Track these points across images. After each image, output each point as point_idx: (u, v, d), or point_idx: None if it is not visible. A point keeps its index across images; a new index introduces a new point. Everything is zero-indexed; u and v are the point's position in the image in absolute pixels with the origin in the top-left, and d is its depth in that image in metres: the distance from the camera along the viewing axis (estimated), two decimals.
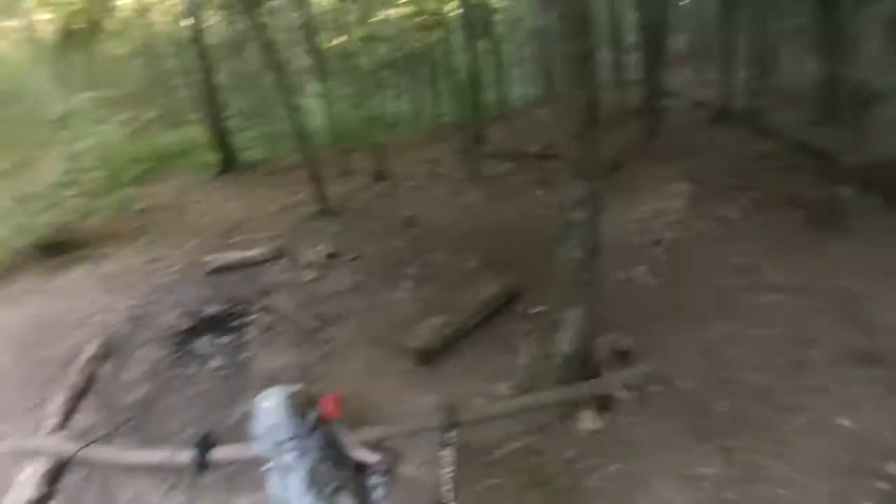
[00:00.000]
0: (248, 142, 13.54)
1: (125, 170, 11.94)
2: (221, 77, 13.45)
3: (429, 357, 4.35)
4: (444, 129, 12.01)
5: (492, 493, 3.26)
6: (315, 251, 6.71)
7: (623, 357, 4.18)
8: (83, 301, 7.05)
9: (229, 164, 11.83)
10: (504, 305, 4.87)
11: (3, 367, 6.06)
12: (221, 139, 11.86)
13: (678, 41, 17.55)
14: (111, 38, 12.90)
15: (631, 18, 11.66)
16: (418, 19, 14.05)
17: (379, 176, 9.40)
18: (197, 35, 11.79)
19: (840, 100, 6.90)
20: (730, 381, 3.79)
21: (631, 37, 11.64)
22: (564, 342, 3.87)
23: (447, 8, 12.90)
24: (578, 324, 3.88)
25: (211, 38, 13.11)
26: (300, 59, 13.56)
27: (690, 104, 10.89)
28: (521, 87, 14.54)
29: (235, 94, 16.13)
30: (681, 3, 16.74)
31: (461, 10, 9.85)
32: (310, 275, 6.29)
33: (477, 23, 10.50)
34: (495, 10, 14.93)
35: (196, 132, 14.04)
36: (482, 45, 11.22)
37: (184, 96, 14.69)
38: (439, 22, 12.91)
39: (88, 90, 10.79)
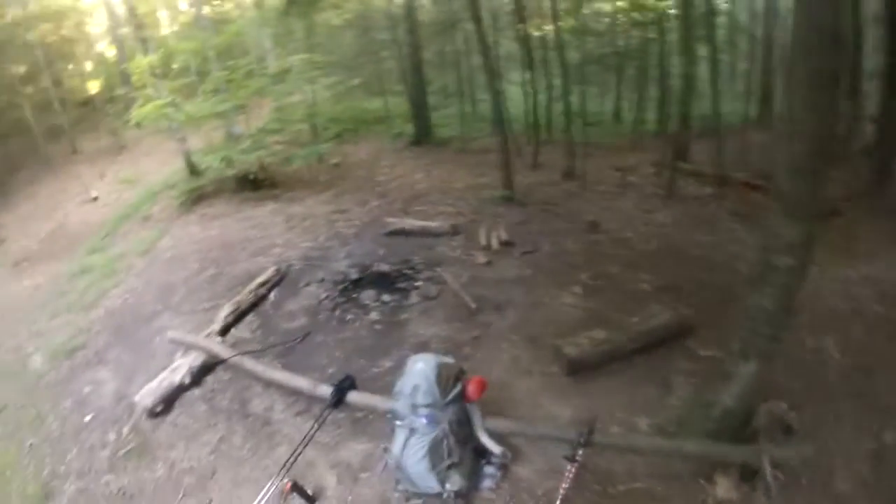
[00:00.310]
0: (443, 118, 14.50)
1: (326, 127, 13.66)
2: (427, 54, 14.53)
3: (579, 369, 4.30)
4: (644, 137, 11.55)
5: None
6: (492, 236, 6.97)
7: (784, 431, 3.71)
8: (267, 233, 8.28)
9: (423, 136, 12.78)
10: (672, 338, 4.59)
11: (190, 272, 7.41)
12: (419, 112, 12.85)
13: None
14: (329, 8, 14.62)
15: (875, 36, 9.68)
16: (633, 15, 13.62)
17: (568, 174, 9.39)
18: (410, 11, 12.85)
19: None
20: None
21: (871, 61, 9.70)
22: (729, 395, 3.55)
23: (665, 5, 12.33)
24: (750, 380, 3.53)
25: (422, 16, 14.19)
26: (506, 45, 14.03)
27: None
28: (734, 103, 13.31)
29: (438, 71, 17.35)
30: None
31: (680, 10, 9.26)
32: (481, 258, 6.55)
33: (697, 25, 9.81)
34: (718, 14, 13.78)
35: (396, 103, 15.45)
36: (699, 50, 10.48)
37: (389, 68, 16.18)
38: (655, 20, 12.38)
39: (304, 53, 12.46)
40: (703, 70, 10.77)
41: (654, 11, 12.34)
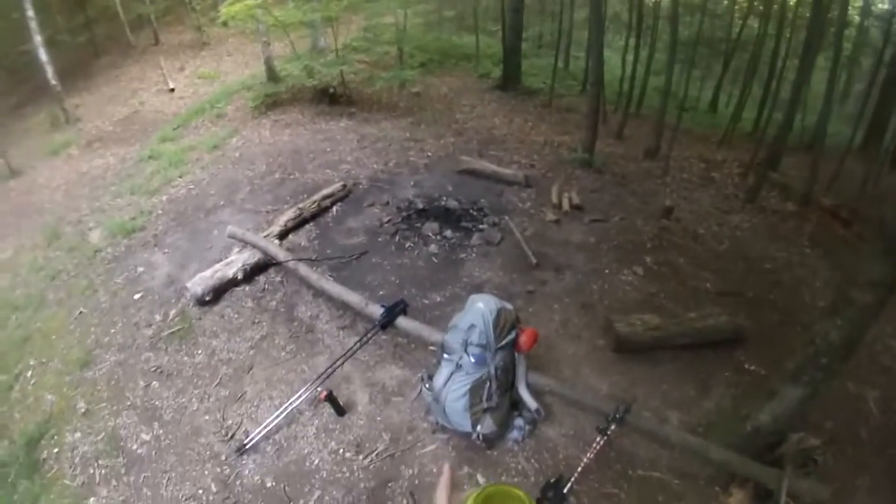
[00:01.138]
0: (533, 68, 14.05)
1: (412, 55, 13.41)
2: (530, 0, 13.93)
3: (626, 348, 4.35)
4: (738, 135, 11.01)
5: (608, 500, 3.30)
6: (563, 196, 6.88)
7: (810, 465, 3.71)
8: (337, 149, 8.39)
9: (510, 82, 12.41)
10: (722, 344, 4.55)
11: (256, 173, 7.65)
12: (510, 56, 12.45)
13: None
14: None
15: None
16: (756, 3, 12.69)
17: (650, 152, 9.12)
18: None
19: None
20: None
21: None
22: (768, 413, 3.56)
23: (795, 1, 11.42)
24: (793, 404, 3.52)
25: None
26: (615, 5, 13.32)
27: None
28: (841, 125, 12.43)
29: (538, 18, 16.66)
30: None
31: (811, 11, 8.54)
32: (550, 215, 6.49)
33: (824, 30, 9.06)
34: (849, 25, 12.63)
35: (488, 43, 15.00)
36: (821, 58, 9.75)
37: (487, 5, 15.61)
38: (779, 14, 11.53)
39: None
40: (815, 80, 10.06)
41: (777, 4, 11.46)
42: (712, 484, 3.49)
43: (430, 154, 8.34)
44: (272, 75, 11.50)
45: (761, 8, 13.11)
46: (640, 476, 3.47)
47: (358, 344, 4.21)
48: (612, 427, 3.25)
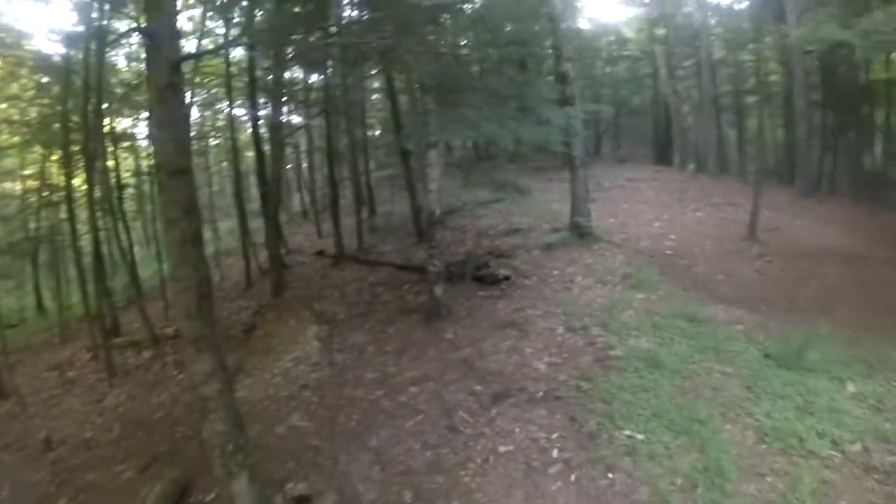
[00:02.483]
0: None
1: None
2: None
3: None
4: (73, 323, 10.71)
5: None
6: None
7: (304, 502, 4.49)
8: None
9: None
10: (178, 501, 4.62)
11: None
12: None
13: (295, 202, 20.40)
14: None
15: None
16: (44, 195, 12.51)
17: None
18: None
19: (421, 224, 9.39)
20: (407, 473, 4.49)
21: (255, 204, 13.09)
22: None
23: (76, 182, 11.97)
24: (247, 492, 4.04)
25: None
26: None
27: (312, 255, 12.40)
28: (154, 265, 14.24)
29: None
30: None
31: (87, 185, 9.31)
32: None
33: (105, 199, 10.07)
34: (125, 186, 14.44)
35: None
36: (110, 223, 10.69)
37: None
38: (65, 198, 11.79)
39: None
40: (117, 242, 10.97)
41: (62, 189, 11.63)
42: None
43: None
44: None
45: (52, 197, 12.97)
46: None
47: None
48: None
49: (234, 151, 12.98)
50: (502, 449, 4.53)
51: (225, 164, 21.16)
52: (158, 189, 3.97)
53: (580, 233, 9.14)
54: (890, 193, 17.06)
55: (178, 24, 4.76)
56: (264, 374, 6.47)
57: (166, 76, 3.72)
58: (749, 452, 4.18)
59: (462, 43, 7.86)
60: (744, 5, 18.70)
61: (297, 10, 7.35)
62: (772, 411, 4.59)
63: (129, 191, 15.84)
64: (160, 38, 3.71)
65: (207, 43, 12.38)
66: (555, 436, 4.58)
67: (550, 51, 9.13)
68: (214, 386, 3.99)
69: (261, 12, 9.41)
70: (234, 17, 11.04)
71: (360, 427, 5.23)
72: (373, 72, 13.19)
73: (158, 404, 6.64)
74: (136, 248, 14.43)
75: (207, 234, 16.26)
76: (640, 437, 4.39)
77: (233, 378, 6.31)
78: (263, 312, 8.44)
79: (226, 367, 4.15)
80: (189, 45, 13.32)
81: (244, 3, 10.22)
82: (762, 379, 5.04)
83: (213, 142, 21.02)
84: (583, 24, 19.65)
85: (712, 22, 19.94)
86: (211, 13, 11.97)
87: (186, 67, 13.60)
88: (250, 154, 16.86)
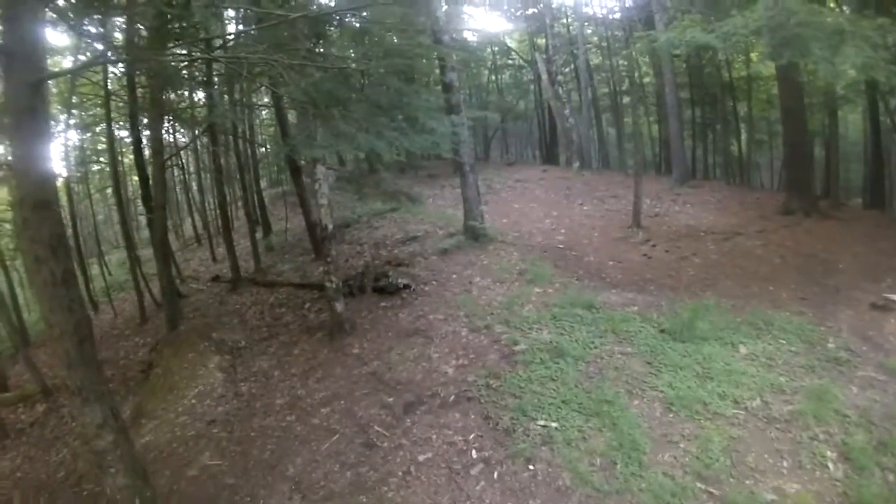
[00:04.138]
0: None
1: None
2: None
3: None
4: None
5: None
6: None
7: None
8: None
9: None
10: None
11: None
12: None
13: (188, 226, 19.29)
14: None
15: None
16: None
17: None
18: None
19: (317, 240, 9.22)
20: (329, 498, 4.36)
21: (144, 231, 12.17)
22: None
23: None
24: None
25: None
26: None
27: (209, 281, 11.81)
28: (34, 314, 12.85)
29: None
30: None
31: None
32: None
33: None
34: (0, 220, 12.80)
35: None
36: None
37: None
38: None
39: None
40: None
41: None
42: None
43: None
44: None
45: None
46: None
47: None
48: None
49: (115, 176, 12.00)
50: (421, 458, 4.54)
51: (108, 190, 19.55)
52: (21, 225, 3.55)
53: (475, 235, 9.40)
54: (755, 175, 19.22)
55: (46, 41, 4.30)
56: (168, 414, 6.00)
57: (25, 99, 3.37)
58: (659, 423, 4.51)
59: (347, 55, 7.82)
60: (617, 15, 20.17)
61: (175, 25, 6.95)
62: (674, 382, 5.00)
63: (5, 226, 14.09)
64: (17, 56, 3.35)
65: (83, 59, 11.27)
66: (472, 436, 4.66)
67: (437, 61, 9.36)
68: (108, 437, 3.71)
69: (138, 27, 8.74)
70: (101, 34, 10.16)
71: (275, 457, 5.02)
72: (258, 87, 12.74)
73: (59, 463, 5.93)
74: (19, 290, 12.90)
75: (95, 268, 15.04)
76: (553, 425, 4.59)
77: (134, 423, 5.91)
78: (160, 348, 7.83)
79: (118, 416, 3.86)
80: (66, 62, 12.13)
81: (114, 16, 9.45)
82: (660, 353, 5.47)
83: (94, 167, 19.37)
84: (468, 35, 20.34)
85: (588, 31, 21.44)
86: (72, 27, 10.93)
87: (62, 86, 12.39)
88: (136, 178, 15.66)
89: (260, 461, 5.02)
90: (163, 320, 9.12)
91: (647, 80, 20.04)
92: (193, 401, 6.24)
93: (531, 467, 4.22)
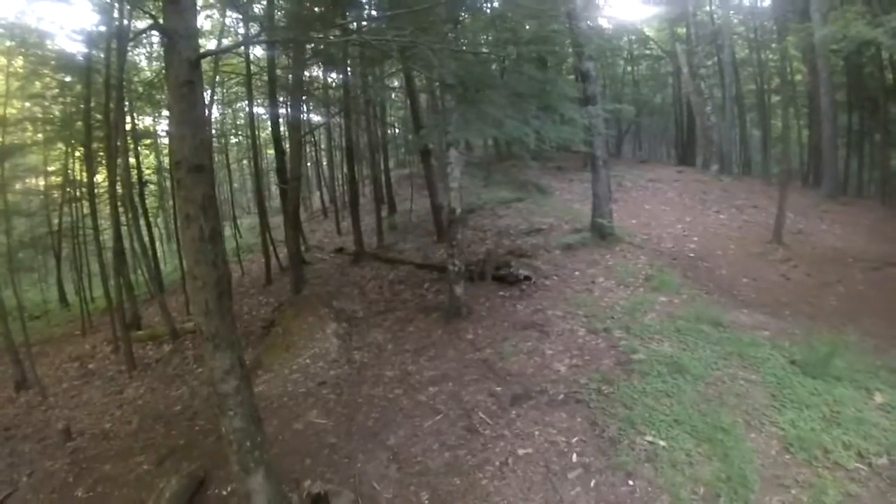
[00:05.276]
0: None
1: None
2: None
3: None
4: (94, 316, 10.89)
5: None
6: None
7: (321, 500, 4.45)
8: None
9: None
10: (194, 495, 4.63)
11: None
12: None
13: (315, 199, 20.50)
14: None
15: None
16: (66, 191, 12.82)
17: (21, 384, 7.90)
18: None
19: (441, 223, 9.36)
20: (424, 473, 4.44)
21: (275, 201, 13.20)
22: None
23: (98, 178, 12.21)
24: (263, 488, 4.03)
25: None
26: None
27: (332, 252, 12.45)
28: (175, 261, 14.48)
29: None
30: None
31: (109, 182, 9.54)
32: None
33: (126, 194, 10.29)
34: (146, 182, 14.72)
35: None
36: (132, 219, 10.91)
37: None
38: (87, 194, 12.07)
39: None
40: (139, 236, 11.17)
41: (84, 185, 11.89)
42: None
43: None
44: None
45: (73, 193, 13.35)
46: None
47: None
48: None
49: (254, 149, 13.11)
50: (521, 452, 4.44)
51: (245, 161, 21.46)
52: (176, 186, 3.92)
53: (601, 233, 9.02)
54: None
55: (198, 23, 4.75)
56: (283, 370, 6.45)
57: (184, 74, 3.70)
58: (773, 462, 4.04)
59: (482, 41, 7.77)
60: (767, 3, 18.30)
61: (316, 8, 7.35)
62: (797, 420, 4.43)
63: (151, 187, 16.20)
64: (178, 36, 3.70)
65: (227, 41, 12.49)
66: (575, 440, 4.48)
67: (571, 49, 9.07)
68: (232, 382, 3.98)
69: (281, 10, 9.44)
70: (253, 15, 11.11)
71: (378, 425, 5.18)
72: (392, 70, 13.18)
73: (177, 398, 6.68)
74: (158, 244, 14.74)
75: (228, 230, 16.68)
76: (661, 443, 4.27)
77: (251, 374, 6.41)
78: (283, 309, 8.47)
79: (244, 364, 4.12)
80: (210, 44, 13.57)
81: (263, 1, 10.28)
82: (787, 387, 4.87)
83: (233, 140, 21.34)
84: (603, 22, 19.41)
85: (735, 20, 19.56)
86: (230, 11, 12.08)
87: (206, 65, 13.90)
88: (270, 152, 17.03)
89: (363, 427, 5.21)
90: (286, 284, 9.84)
91: (797, 77, 17.82)
92: (308, 361, 6.65)
93: (630, 482, 3.96)
